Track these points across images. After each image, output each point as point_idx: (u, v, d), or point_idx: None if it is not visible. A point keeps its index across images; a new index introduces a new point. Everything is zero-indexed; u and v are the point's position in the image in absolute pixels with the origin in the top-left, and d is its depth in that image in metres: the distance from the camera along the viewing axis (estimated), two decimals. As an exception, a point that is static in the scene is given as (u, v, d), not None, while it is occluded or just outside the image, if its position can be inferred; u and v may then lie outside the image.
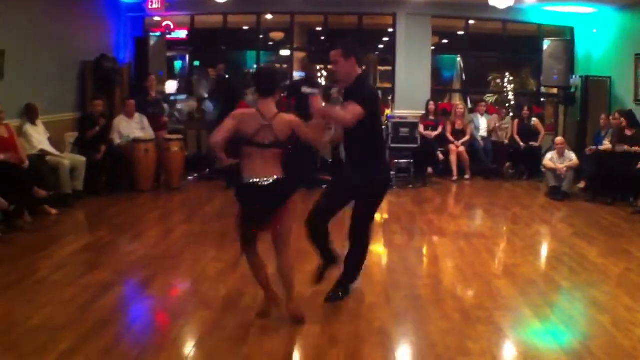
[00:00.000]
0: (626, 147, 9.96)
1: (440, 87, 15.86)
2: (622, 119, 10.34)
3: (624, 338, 4.80)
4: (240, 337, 4.61)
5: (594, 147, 10.59)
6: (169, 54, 13.40)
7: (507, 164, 12.21)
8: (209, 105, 11.74)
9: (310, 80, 11.66)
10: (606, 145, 10.39)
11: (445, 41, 15.81)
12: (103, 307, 5.19)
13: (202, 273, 6.20)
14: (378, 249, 7.18)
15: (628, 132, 10.20)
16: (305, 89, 4.92)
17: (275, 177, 4.64)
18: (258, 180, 4.60)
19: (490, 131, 12.49)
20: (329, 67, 16.18)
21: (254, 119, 4.66)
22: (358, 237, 5.39)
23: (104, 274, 6.03)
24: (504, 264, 6.83)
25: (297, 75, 13.73)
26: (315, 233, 5.22)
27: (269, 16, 13.96)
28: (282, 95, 11.80)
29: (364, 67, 5.22)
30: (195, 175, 11.56)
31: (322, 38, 15.04)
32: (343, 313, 5.15)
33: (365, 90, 5.09)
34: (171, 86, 12.61)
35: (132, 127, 10.42)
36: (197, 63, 14.12)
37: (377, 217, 8.98)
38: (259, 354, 4.37)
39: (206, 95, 11.93)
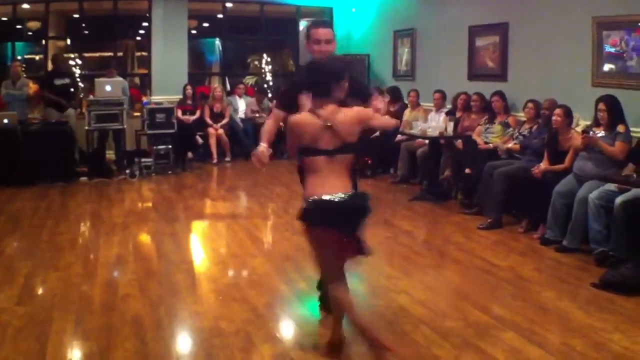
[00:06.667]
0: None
1: (198, 71, 15.88)
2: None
3: (383, 306, 5.05)
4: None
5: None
6: None
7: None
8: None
9: (60, 70, 11.32)
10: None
11: (206, 25, 15.85)
12: None
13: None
14: (133, 240, 7.12)
15: (392, 108, 10.84)
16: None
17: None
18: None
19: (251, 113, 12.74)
20: (85, 54, 15.72)
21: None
22: None
23: None
24: (260, 243, 7.03)
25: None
26: None
27: (25, 5, 13.18)
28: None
29: None
30: None
31: (82, 25, 14.52)
32: (96, 306, 5.06)
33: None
34: None
35: None
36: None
37: (136, 206, 8.97)
38: (14, 355, 4.18)
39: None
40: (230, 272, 6.00)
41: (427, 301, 5.15)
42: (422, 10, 11.31)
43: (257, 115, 12.73)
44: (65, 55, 13.00)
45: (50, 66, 12.18)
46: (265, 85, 14.87)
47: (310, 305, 5.01)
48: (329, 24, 4.81)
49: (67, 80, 11.14)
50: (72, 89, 11.27)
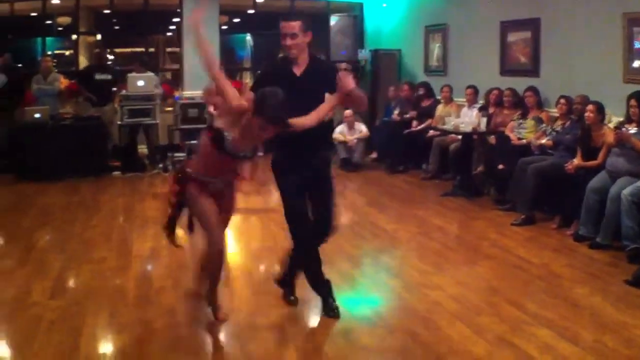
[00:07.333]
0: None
1: (229, 66, 15.93)
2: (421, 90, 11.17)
3: (416, 301, 5.05)
4: (29, 334, 4.43)
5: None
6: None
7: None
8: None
9: (102, 65, 11.44)
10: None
11: (236, 20, 15.92)
12: None
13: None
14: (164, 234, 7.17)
15: (424, 104, 10.90)
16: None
17: None
18: None
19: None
20: (116, 50, 15.87)
21: None
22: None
23: None
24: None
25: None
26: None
27: (55, 1, 13.29)
28: (72, 81, 11.44)
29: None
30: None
31: (112, 20, 14.66)
32: (130, 299, 5.12)
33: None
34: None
35: None
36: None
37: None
38: (47, 348, 4.23)
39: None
40: (265, 266, 6.04)
41: (460, 297, 5.16)
42: (453, 6, 11.25)
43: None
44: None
45: (83, 61, 12.32)
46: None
47: (344, 300, 4.99)
48: (298, 17, 4.61)
49: (108, 77, 11.15)
50: (112, 85, 11.26)
